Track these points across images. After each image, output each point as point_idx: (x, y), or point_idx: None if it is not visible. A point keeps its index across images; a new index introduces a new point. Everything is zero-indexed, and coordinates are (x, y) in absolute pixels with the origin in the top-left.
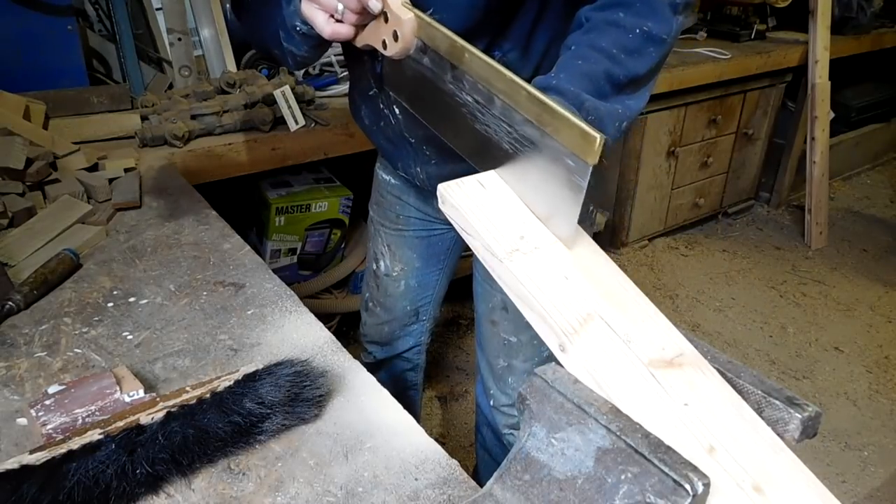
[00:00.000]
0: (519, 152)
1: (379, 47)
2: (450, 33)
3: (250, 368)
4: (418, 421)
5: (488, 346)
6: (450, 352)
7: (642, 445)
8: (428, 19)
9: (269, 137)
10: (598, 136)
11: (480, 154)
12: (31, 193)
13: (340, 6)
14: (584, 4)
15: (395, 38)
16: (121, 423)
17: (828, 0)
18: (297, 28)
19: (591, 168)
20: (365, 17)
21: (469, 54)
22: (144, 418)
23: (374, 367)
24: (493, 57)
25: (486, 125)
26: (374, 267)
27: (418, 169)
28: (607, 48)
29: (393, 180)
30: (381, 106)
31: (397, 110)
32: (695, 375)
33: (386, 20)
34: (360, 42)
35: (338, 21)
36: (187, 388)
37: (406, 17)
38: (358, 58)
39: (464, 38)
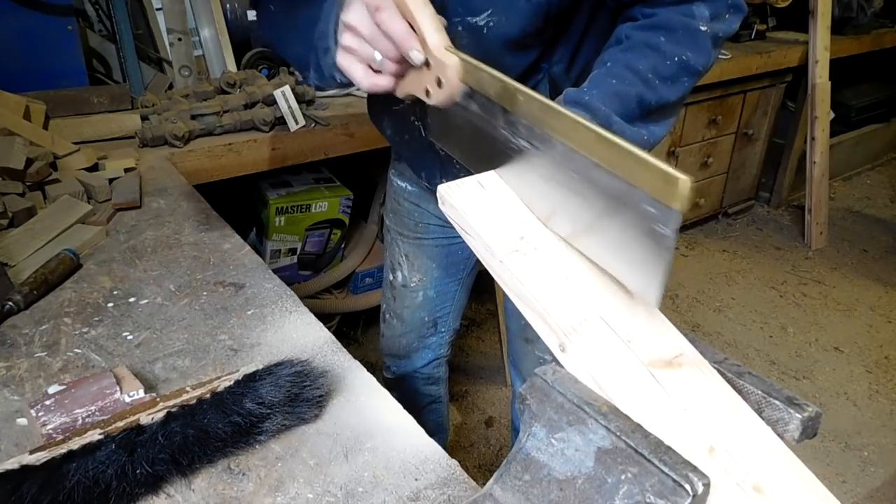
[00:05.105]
0: (584, 198)
1: (422, 96)
2: (499, 75)
3: (250, 368)
4: (447, 434)
5: (522, 364)
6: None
7: (642, 445)
8: (474, 62)
9: (269, 137)
10: (685, 178)
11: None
12: (31, 193)
13: (378, 55)
14: (627, 21)
15: (440, 84)
16: (121, 424)
17: (828, 0)
18: (336, 79)
19: (676, 214)
20: (405, 66)
21: (523, 95)
22: (144, 418)
23: (393, 384)
24: (540, 70)
25: (545, 171)
26: (391, 277)
27: (444, 180)
28: (643, 71)
29: (410, 187)
30: (412, 118)
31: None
32: (695, 375)
33: (428, 66)
34: (401, 92)
35: (376, 71)
36: (187, 389)
37: (450, 62)
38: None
39: (518, 48)
